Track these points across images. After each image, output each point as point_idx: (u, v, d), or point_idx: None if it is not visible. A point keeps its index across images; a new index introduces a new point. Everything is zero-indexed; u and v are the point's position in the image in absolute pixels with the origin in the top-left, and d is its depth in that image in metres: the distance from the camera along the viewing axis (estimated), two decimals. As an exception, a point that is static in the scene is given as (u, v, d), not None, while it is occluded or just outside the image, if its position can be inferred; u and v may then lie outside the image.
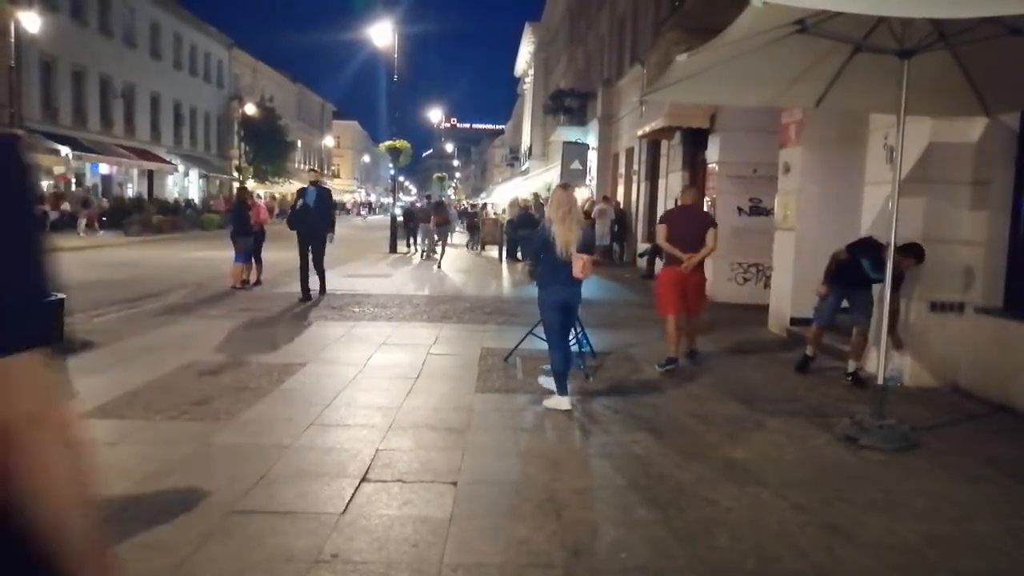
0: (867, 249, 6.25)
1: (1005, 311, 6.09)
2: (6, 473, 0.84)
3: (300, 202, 10.75)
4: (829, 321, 6.71)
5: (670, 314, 6.85)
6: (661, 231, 7.14)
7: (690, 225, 6.99)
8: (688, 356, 7.18)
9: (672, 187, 14.68)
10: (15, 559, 0.87)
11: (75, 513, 0.89)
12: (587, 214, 18.47)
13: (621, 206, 19.72)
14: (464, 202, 50.21)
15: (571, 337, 5.88)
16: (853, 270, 6.29)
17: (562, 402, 5.41)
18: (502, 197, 40.35)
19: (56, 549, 0.87)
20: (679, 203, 7.99)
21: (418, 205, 24.90)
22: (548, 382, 5.66)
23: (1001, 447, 4.93)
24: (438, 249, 18.20)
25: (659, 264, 14.94)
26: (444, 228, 18.55)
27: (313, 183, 11.07)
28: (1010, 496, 4.11)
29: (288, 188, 45.83)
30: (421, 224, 20.33)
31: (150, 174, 37.03)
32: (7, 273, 0.87)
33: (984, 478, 4.35)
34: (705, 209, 10.40)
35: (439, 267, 16.86)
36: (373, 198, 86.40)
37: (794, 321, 8.86)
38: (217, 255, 16.31)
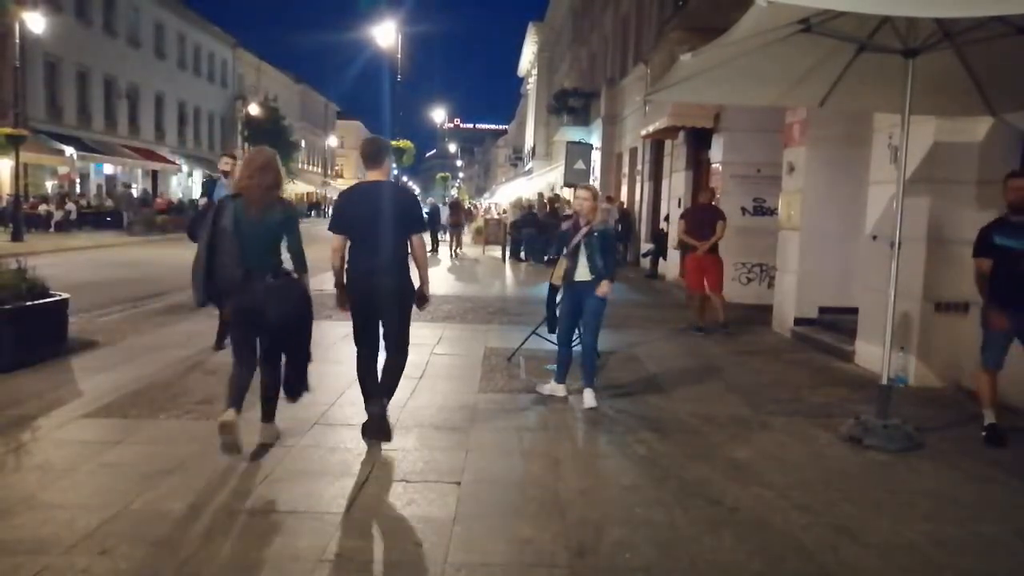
0: (997, 225, 4.93)
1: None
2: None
3: (204, 201, 7.55)
4: (997, 362, 4.97)
5: (695, 291, 9.05)
6: (680, 225, 9.46)
7: (702, 219, 9.11)
8: (721, 327, 8.79)
9: (676, 187, 14.67)
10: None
11: (423, 262, 4.59)
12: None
13: (625, 206, 19.72)
14: (469, 202, 50.19)
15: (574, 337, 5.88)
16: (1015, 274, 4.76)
17: (558, 389, 5.75)
18: (505, 197, 40.36)
19: (420, 267, 4.54)
20: (697, 202, 9.88)
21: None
22: (548, 389, 5.73)
23: (1006, 448, 4.91)
24: (453, 244, 21.92)
25: (662, 264, 15.07)
26: (457, 228, 21.90)
27: (226, 173, 7.33)
28: (1016, 497, 4.10)
29: (292, 188, 45.85)
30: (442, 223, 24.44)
31: (154, 174, 37.15)
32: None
33: (989, 479, 4.33)
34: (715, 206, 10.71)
35: (456, 257, 20.63)
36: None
37: (798, 321, 8.85)
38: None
